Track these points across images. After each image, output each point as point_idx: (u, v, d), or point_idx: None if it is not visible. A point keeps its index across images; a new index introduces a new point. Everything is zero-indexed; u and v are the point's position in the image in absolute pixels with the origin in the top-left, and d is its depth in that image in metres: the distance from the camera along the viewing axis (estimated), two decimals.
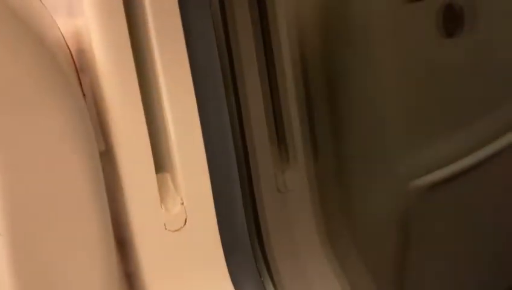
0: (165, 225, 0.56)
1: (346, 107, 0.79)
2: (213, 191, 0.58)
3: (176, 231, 0.57)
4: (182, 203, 0.57)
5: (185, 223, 0.57)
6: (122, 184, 0.54)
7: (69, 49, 0.54)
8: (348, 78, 0.78)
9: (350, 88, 0.78)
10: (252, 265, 0.64)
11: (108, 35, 0.52)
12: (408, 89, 0.82)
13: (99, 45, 0.52)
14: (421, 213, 0.85)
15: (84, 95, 0.53)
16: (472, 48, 0.87)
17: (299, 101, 0.74)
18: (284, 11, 0.69)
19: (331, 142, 0.79)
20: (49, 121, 0.46)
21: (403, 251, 0.85)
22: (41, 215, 0.47)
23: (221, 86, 0.59)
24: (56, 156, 0.46)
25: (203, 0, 0.57)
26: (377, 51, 0.80)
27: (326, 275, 0.75)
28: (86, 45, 0.53)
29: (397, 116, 0.82)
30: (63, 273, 0.49)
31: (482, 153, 0.89)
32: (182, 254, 0.58)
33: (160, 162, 0.58)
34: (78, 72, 0.53)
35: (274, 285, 0.67)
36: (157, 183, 0.55)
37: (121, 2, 0.51)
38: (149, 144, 0.54)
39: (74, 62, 0.54)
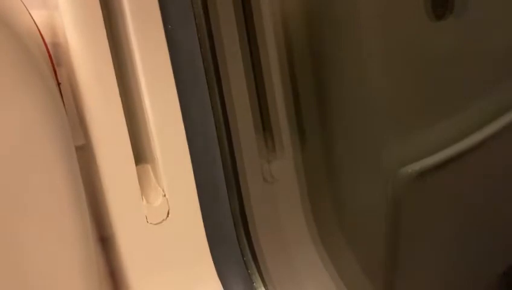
0: (146, 217, 0.55)
1: (333, 95, 0.77)
2: (196, 182, 0.57)
3: (158, 223, 0.56)
4: (164, 195, 0.56)
5: (167, 216, 0.56)
6: (101, 177, 0.53)
7: (42, 38, 0.52)
8: (335, 64, 0.77)
9: (337, 74, 0.77)
10: (238, 257, 0.63)
11: (84, 27, 0.50)
12: (396, 74, 0.81)
13: (75, 37, 0.50)
14: (411, 200, 0.84)
15: (59, 83, 0.51)
16: (461, 32, 0.86)
17: (285, 89, 0.72)
18: None
19: (318, 131, 0.77)
20: (19, 113, 0.44)
21: (392, 239, 0.84)
22: (14, 213, 0.45)
23: (203, 74, 0.57)
24: (28, 150, 0.45)
25: None
26: (364, 36, 0.78)
27: (315, 265, 0.74)
28: (61, 38, 0.52)
29: (385, 103, 0.81)
30: (40, 272, 0.47)
31: (471, 139, 0.89)
32: (165, 247, 0.56)
33: (141, 153, 0.56)
34: (52, 61, 0.52)
35: (262, 277, 0.66)
36: (138, 174, 0.54)
37: None
38: (127, 134, 0.53)
39: (48, 51, 0.52)
